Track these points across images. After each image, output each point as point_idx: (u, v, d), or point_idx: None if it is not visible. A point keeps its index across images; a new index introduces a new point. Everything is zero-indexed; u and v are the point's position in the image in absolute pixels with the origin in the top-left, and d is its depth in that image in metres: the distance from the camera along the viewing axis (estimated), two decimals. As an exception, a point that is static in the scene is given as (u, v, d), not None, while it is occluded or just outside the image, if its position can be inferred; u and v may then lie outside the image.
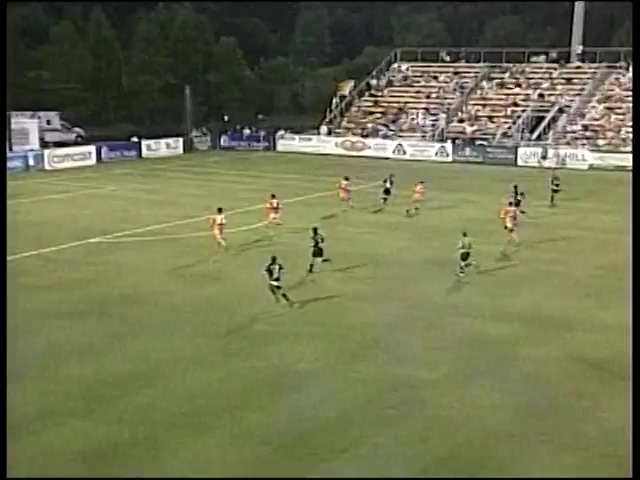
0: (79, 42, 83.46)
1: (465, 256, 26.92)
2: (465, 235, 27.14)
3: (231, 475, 14.72)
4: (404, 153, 62.26)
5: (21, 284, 26.24)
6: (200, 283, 26.78)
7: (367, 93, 73.02)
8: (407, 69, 74.59)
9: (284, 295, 23.53)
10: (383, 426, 16.51)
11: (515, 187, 37.10)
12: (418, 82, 73.08)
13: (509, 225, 31.01)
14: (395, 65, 75.54)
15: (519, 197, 36.26)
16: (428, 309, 23.82)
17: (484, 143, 62.58)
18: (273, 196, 34.29)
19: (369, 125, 67.98)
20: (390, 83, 73.54)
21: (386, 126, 67.66)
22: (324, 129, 68.54)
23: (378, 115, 69.55)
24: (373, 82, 73.85)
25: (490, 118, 65.26)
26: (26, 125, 59.83)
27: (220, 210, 30.78)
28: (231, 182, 46.52)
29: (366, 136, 66.23)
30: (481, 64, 72.19)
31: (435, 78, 72.67)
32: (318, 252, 27.30)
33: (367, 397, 17.91)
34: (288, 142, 67.60)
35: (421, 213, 38.22)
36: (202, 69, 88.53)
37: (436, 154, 62.34)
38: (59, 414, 17.00)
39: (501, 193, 39.17)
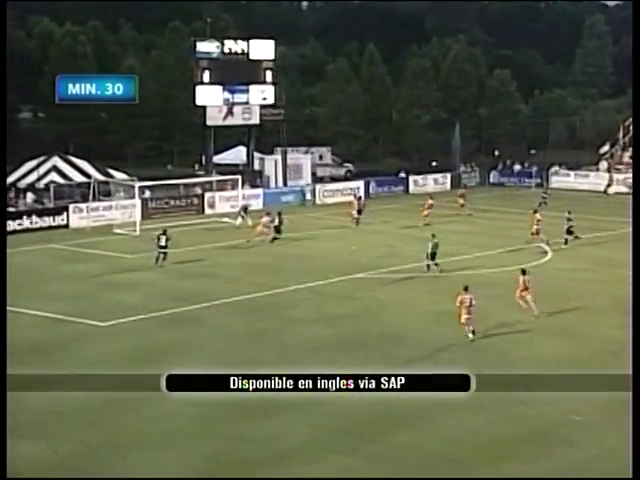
0: (352, 79, 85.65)
1: (432, 256, 31.84)
2: (434, 237, 32.39)
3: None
4: (700, 192, 57.20)
5: (289, 317, 26.81)
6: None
7: (657, 126, 68.62)
8: None
9: (164, 259, 32.41)
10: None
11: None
12: None
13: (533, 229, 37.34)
14: (695, 94, 70.36)
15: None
16: None
17: None
18: (356, 196, 46.62)
19: (658, 161, 63.74)
20: (686, 113, 68.61)
21: (679, 162, 63.13)
22: (603, 165, 65.03)
23: (669, 149, 65.10)
24: (663, 113, 69.28)
25: None
26: (300, 161, 61.69)
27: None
28: (499, 219, 45.26)
29: (653, 173, 62.15)
30: None
31: None
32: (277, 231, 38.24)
33: (648, 457, 16.33)
34: (562, 178, 64.65)
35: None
36: (473, 103, 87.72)
37: None
38: (322, 448, 17.09)
39: None
